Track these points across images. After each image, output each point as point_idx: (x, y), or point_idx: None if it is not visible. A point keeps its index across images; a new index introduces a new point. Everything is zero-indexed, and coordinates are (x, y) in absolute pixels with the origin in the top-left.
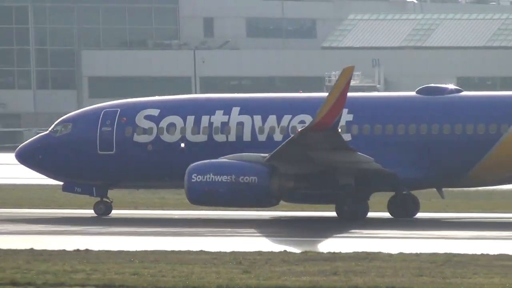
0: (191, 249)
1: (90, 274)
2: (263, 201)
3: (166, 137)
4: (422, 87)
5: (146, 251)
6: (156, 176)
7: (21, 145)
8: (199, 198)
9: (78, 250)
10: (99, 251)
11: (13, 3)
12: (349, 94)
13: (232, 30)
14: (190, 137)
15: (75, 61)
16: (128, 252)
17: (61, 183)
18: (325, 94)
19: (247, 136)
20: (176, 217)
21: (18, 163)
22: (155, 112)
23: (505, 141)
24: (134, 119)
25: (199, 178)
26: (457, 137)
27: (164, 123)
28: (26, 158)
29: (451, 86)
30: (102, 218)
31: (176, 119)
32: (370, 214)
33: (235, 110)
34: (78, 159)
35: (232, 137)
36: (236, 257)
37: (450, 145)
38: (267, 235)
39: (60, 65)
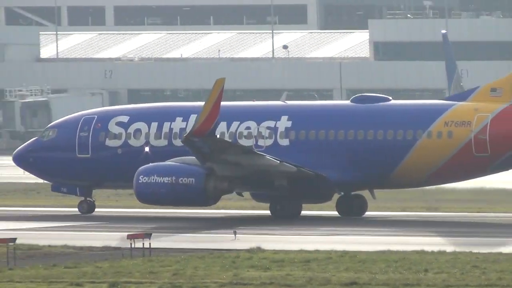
0: None
1: None
2: (200, 201)
3: (133, 142)
4: (356, 96)
5: None
6: (125, 178)
7: (17, 148)
8: (145, 198)
9: None
10: None
11: None
12: (289, 102)
13: None
14: (153, 141)
15: None
16: None
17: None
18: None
19: None
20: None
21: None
22: (125, 119)
23: (420, 146)
24: (107, 125)
25: (145, 179)
26: (380, 142)
27: (131, 129)
28: (20, 160)
29: (381, 95)
30: (84, 216)
31: (142, 125)
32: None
33: (193, 117)
34: (61, 161)
35: None
36: None
37: (374, 149)
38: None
39: None
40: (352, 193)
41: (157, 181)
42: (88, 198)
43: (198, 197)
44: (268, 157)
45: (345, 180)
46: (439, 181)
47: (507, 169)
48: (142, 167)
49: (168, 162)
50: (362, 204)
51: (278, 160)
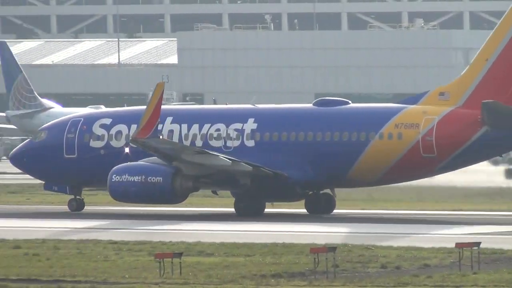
0: None
1: None
2: (168, 199)
3: (114, 143)
4: (318, 100)
5: None
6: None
7: (14, 149)
8: (118, 196)
9: None
10: None
11: None
12: (258, 105)
13: None
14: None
15: None
16: None
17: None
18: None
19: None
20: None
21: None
22: (108, 121)
23: (372, 146)
24: (92, 127)
25: (117, 178)
26: (337, 143)
27: (113, 131)
28: (16, 161)
29: (342, 99)
30: (73, 213)
31: (123, 127)
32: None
33: (169, 119)
34: (50, 162)
35: None
36: None
37: (331, 150)
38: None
39: None
40: (321, 192)
41: (128, 180)
42: (77, 197)
43: (166, 195)
44: (221, 157)
45: (305, 179)
46: (391, 180)
47: (453, 170)
48: (116, 167)
49: (139, 162)
50: (330, 202)
51: (230, 160)
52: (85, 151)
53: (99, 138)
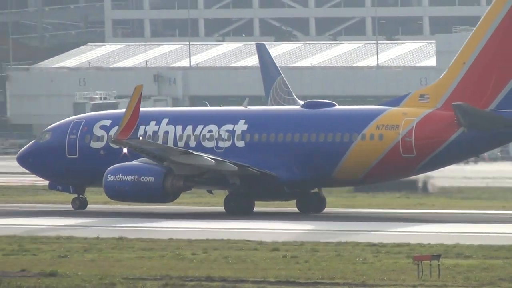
0: None
1: None
2: (159, 197)
3: (113, 144)
4: (306, 102)
5: None
6: None
7: (20, 150)
8: (112, 194)
9: None
10: None
11: None
12: (249, 107)
13: None
14: None
15: None
16: None
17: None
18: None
19: (170, 142)
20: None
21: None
22: (107, 122)
23: (355, 147)
24: (92, 128)
25: (112, 178)
26: (322, 144)
27: (112, 132)
28: (22, 161)
29: (328, 101)
30: (76, 212)
31: None
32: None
33: (164, 121)
34: (54, 162)
35: (161, 143)
36: None
37: (317, 150)
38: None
39: None
40: (312, 191)
41: (122, 179)
42: (80, 195)
43: (157, 194)
44: (206, 157)
45: (293, 179)
46: (374, 180)
47: (432, 169)
48: (111, 167)
49: (133, 162)
50: (320, 202)
51: (214, 160)
52: (86, 151)
53: (99, 139)
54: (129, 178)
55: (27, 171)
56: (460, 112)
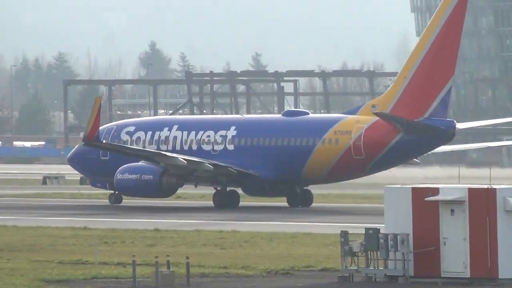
0: None
1: None
2: (157, 193)
3: (135, 146)
4: (285, 111)
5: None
6: None
7: (70, 152)
8: (121, 190)
9: None
10: None
11: None
12: (237, 116)
13: None
14: (147, 146)
15: None
16: None
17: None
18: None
19: (178, 146)
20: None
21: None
22: (132, 128)
23: (317, 150)
24: (120, 133)
25: (120, 176)
26: (293, 147)
27: (134, 137)
28: (70, 161)
29: (303, 110)
30: (112, 206)
31: (141, 134)
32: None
33: (175, 127)
34: (92, 162)
35: (170, 147)
36: None
37: (289, 153)
38: None
39: None
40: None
41: (127, 177)
42: (116, 192)
43: (155, 190)
44: (180, 158)
45: (270, 177)
46: (335, 178)
47: (381, 170)
48: (121, 167)
49: (138, 163)
50: (308, 198)
51: (186, 160)
52: (114, 153)
53: (124, 142)
54: (133, 176)
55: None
56: (393, 120)
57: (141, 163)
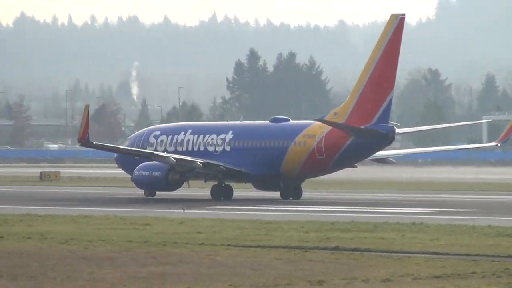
0: None
1: None
2: (164, 187)
3: (159, 148)
4: (272, 118)
5: None
6: None
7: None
8: (137, 185)
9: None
10: None
11: None
12: (234, 122)
13: None
14: (168, 148)
15: None
16: None
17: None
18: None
19: (190, 148)
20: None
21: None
22: (158, 132)
23: (290, 151)
24: (149, 137)
25: (137, 173)
26: (273, 148)
27: (159, 140)
28: (116, 161)
29: (285, 117)
30: (146, 198)
31: (164, 137)
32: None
33: (189, 131)
34: (129, 162)
35: (184, 148)
36: None
37: (270, 153)
38: None
39: None
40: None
41: (142, 174)
42: None
43: (163, 185)
44: (171, 157)
45: (257, 174)
46: (305, 175)
47: (341, 168)
48: (138, 165)
49: (151, 162)
50: (298, 191)
51: (175, 159)
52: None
53: (151, 145)
54: (146, 173)
55: None
56: (343, 126)
57: (153, 162)
